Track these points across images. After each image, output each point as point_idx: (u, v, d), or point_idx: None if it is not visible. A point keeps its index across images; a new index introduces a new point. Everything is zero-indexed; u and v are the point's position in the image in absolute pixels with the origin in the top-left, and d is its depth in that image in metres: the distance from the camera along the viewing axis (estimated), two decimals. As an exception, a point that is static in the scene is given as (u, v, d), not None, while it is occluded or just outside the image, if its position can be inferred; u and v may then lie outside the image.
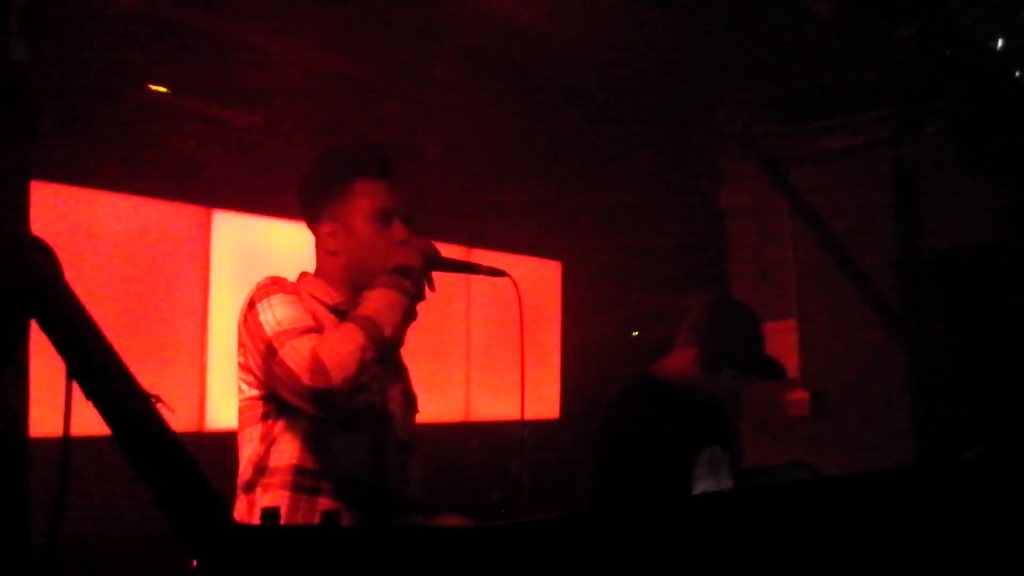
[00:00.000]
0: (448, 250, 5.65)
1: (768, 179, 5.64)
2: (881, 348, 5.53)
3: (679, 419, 3.40)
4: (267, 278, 2.66)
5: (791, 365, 5.91)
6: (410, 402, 2.84)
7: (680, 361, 3.49)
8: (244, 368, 2.58)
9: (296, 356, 2.42)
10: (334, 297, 2.69)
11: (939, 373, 5.22)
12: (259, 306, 2.57)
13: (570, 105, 5.14)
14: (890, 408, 5.46)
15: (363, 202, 2.69)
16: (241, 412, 2.61)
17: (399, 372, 2.83)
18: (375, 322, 2.46)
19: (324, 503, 2.50)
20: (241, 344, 2.58)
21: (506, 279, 2.91)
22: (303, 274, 2.79)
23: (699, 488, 3.33)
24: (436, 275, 2.73)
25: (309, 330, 2.48)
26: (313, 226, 2.78)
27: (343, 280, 2.71)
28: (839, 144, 5.56)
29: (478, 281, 5.70)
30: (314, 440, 2.53)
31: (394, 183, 2.75)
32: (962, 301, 5.34)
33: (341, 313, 2.63)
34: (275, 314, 2.54)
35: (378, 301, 2.50)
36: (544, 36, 4.37)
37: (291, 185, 4.77)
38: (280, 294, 2.58)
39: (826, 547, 1.96)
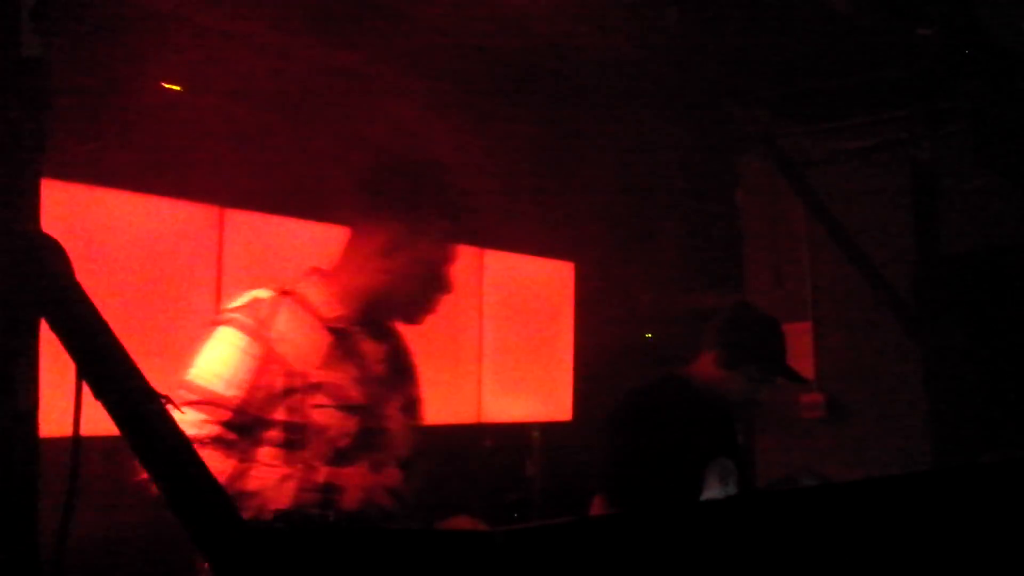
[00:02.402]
0: (461, 251, 5.66)
1: (784, 180, 5.61)
2: (897, 350, 5.50)
3: (695, 421, 3.42)
4: (250, 297, 2.53)
5: (806, 367, 5.88)
6: (412, 413, 2.73)
7: (702, 363, 3.54)
8: None
9: None
10: (335, 310, 2.56)
11: (956, 376, 5.19)
12: (211, 336, 2.46)
13: (584, 105, 5.12)
14: (906, 411, 5.42)
15: (432, 245, 2.61)
16: None
17: (401, 382, 2.72)
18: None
19: None
20: None
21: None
22: (310, 274, 2.65)
23: (706, 496, 3.35)
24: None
25: (210, 403, 2.33)
26: (366, 226, 2.64)
27: (361, 293, 2.60)
28: (856, 145, 5.53)
29: (490, 282, 5.70)
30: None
31: (459, 225, 2.69)
32: (979, 303, 5.31)
33: (337, 332, 2.53)
34: (203, 361, 2.42)
35: (278, 488, 2.34)
36: (557, 34, 4.35)
37: (303, 184, 4.78)
38: (234, 332, 2.43)
39: (843, 552, 1.94)
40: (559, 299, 6.25)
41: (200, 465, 1.58)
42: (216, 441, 2.31)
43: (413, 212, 2.58)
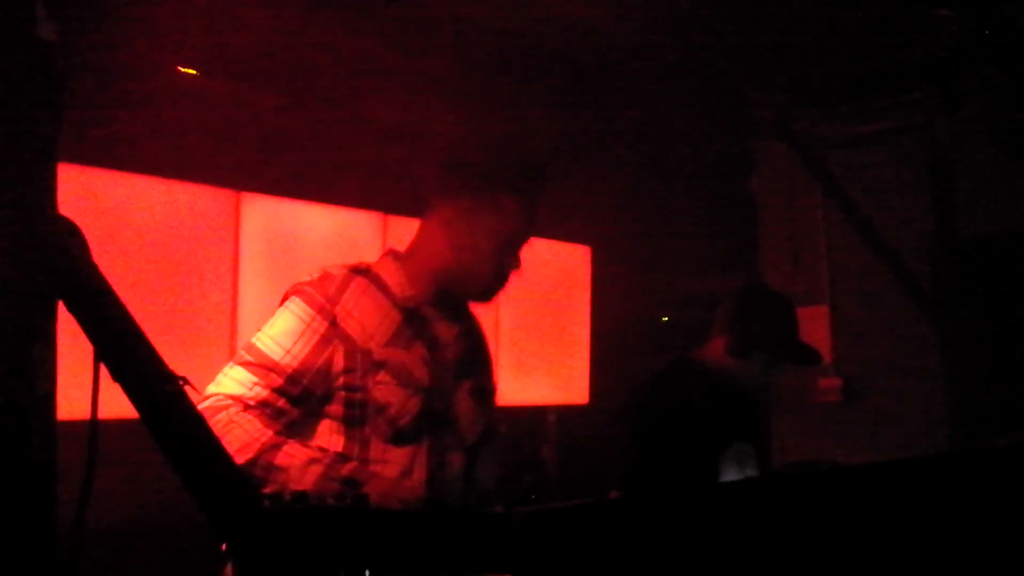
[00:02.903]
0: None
1: (801, 163, 5.59)
2: (914, 333, 5.49)
3: (712, 406, 3.41)
4: (322, 271, 2.55)
5: (823, 351, 5.88)
6: (482, 398, 2.71)
7: (714, 348, 3.51)
8: None
9: (216, 384, 2.39)
10: (406, 290, 2.57)
11: (973, 358, 5.18)
12: (285, 304, 2.50)
13: (600, 88, 5.10)
14: (923, 394, 5.42)
15: (502, 219, 2.59)
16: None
17: (473, 367, 2.71)
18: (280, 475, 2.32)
19: None
20: None
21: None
22: (388, 254, 2.67)
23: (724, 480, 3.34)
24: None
25: (264, 367, 2.38)
26: (440, 204, 2.62)
27: (434, 272, 2.60)
28: (873, 128, 5.51)
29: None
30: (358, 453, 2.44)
31: (533, 203, 2.66)
32: (996, 286, 5.29)
33: (408, 311, 2.55)
34: (269, 327, 2.46)
35: (303, 470, 2.32)
36: (572, 17, 4.34)
37: (319, 168, 4.79)
38: (301, 304, 2.47)
39: (860, 536, 1.93)
40: (576, 283, 6.25)
41: (217, 446, 1.59)
42: (262, 405, 2.36)
43: (485, 186, 2.58)
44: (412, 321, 2.56)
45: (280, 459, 2.32)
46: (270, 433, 2.33)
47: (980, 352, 5.19)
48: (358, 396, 2.44)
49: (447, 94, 4.89)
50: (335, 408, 2.44)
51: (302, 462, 2.33)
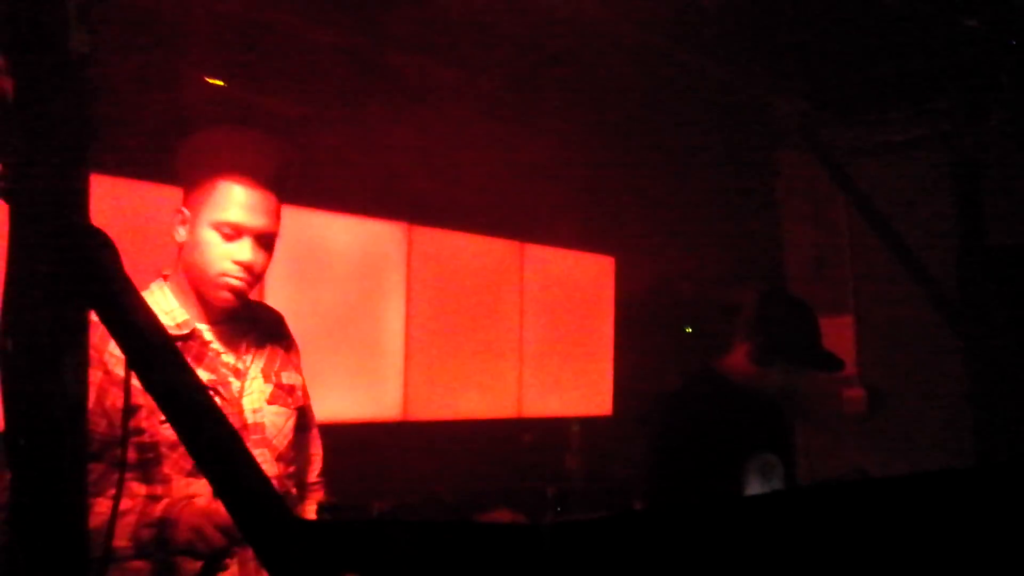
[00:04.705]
0: (501, 245, 5.63)
1: (825, 172, 5.58)
2: (940, 344, 5.45)
3: (735, 416, 3.38)
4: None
5: (848, 361, 5.85)
6: (287, 401, 2.59)
7: (736, 357, 3.48)
8: None
9: None
10: (177, 316, 2.45)
11: (1000, 370, 5.14)
12: None
13: (622, 97, 5.10)
14: (949, 406, 5.38)
15: (217, 206, 2.43)
16: None
17: (271, 371, 2.58)
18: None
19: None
20: None
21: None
22: (157, 280, 2.53)
23: (749, 493, 3.32)
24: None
25: None
26: (174, 211, 2.49)
27: (190, 284, 2.48)
28: (899, 137, 5.49)
29: (531, 276, 5.69)
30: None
31: (266, 184, 2.47)
32: (1023, 296, 5.26)
33: (182, 337, 2.42)
34: None
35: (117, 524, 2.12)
36: (595, 26, 4.34)
37: (342, 178, 4.79)
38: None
39: (883, 549, 1.92)
40: (599, 293, 6.25)
41: (247, 456, 1.59)
42: None
43: (191, 178, 2.46)
44: (190, 348, 2.44)
45: (92, 521, 2.09)
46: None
47: (1007, 363, 5.15)
48: (147, 439, 2.34)
49: (473, 105, 4.91)
50: (129, 455, 2.31)
51: (116, 515, 2.19)
